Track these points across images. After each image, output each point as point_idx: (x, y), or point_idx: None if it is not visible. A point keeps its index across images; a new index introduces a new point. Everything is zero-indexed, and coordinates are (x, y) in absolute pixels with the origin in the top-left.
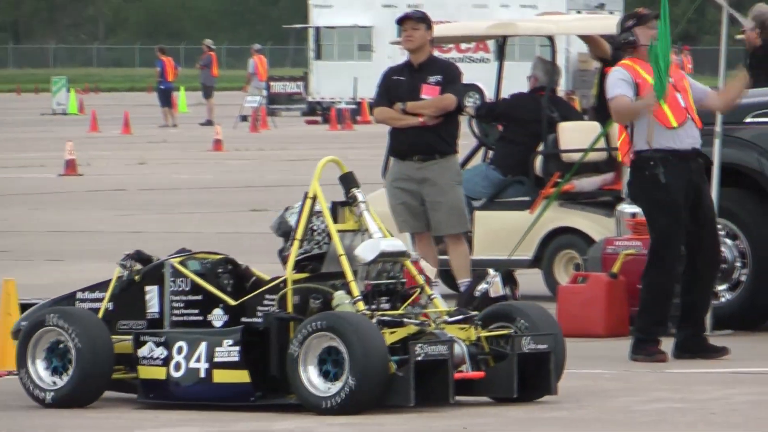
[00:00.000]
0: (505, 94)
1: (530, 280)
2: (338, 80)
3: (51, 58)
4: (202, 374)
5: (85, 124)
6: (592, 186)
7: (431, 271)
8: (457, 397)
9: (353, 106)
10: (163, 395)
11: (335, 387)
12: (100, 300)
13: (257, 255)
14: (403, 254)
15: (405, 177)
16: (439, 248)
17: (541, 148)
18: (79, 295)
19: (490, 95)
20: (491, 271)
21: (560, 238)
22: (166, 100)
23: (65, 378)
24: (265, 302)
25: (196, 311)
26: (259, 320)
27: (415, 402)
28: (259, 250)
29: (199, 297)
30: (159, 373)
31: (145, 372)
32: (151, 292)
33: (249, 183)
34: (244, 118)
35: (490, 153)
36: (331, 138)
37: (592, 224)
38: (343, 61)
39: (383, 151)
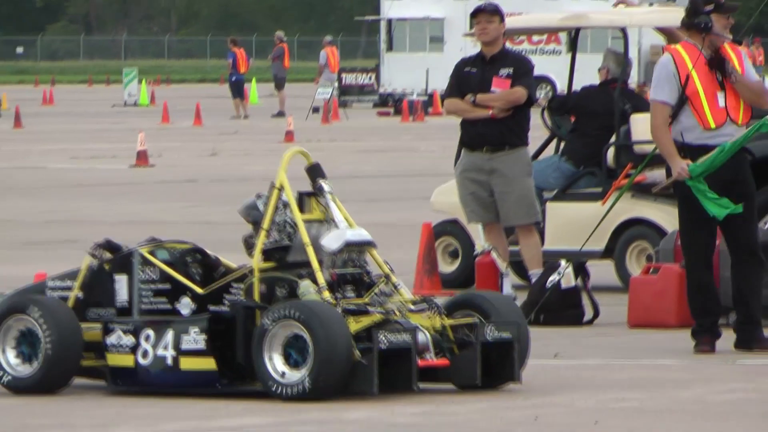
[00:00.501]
0: (576, 86)
1: (601, 272)
2: (410, 72)
3: (123, 49)
4: (169, 362)
5: (157, 115)
6: (663, 177)
7: (501, 262)
8: (423, 385)
9: (425, 98)
10: (131, 382)
11: (299, 374)
12: (71, 288)
13: None
14: (368, 244)
15: (475, 168)
16: (510, 239)
17: (613, 140)
18: (50, 283)
19: (561, 87)
20: (563, 263)
21: (632, 229)
22: (238, 91)
23: (35, 365)
24: (232, 291)
25: (165, 300)
26: (226, 309)
27: (378, 390)
28: None
29: (168, 286)
30: (127, 361)
31: (114, 359)
32: (120, 281)
33: None
34: (315, 110)
35: (562, 145)
36: (403, 130)
37: (664, 215)
38: (415, 53)
39: (454, 143)
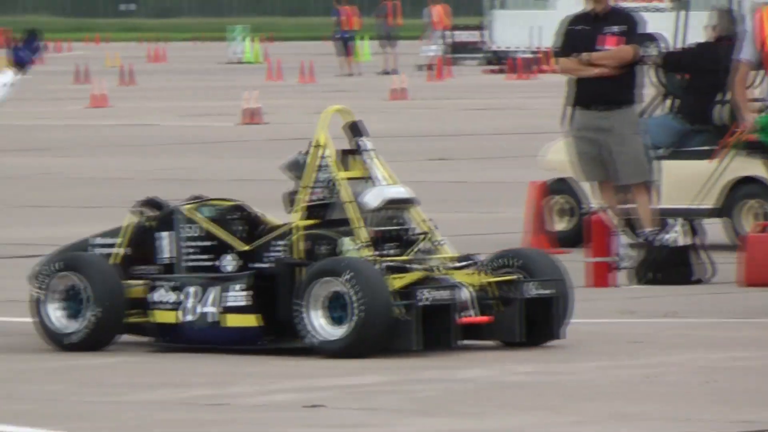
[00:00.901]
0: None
1: (714, 230)
2: (518, 29)
3: (230, 7)
4: (212, 318)
5: (265, 72)
6: None
7: (613, 220)
8: (467, 342)
9: (532, 55)
10: (175, 338)
11: (340, 330)
12: (114, 245)
13: (437, 204)
14: (409, 201)
15: (586, 126)
16: (623, 197)
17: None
18: (92, 241)
19: (669, 45)
20: (674, 221)
21: (745, 187)
22: (344, 49)
23: (80, 321)
24: (275, 248)
25: (208, 257)
26: (269, 266)
27: (420, 346)
28: (441, 197)
29: (211, 243)
30: (171, 317)
31: (158, 316)
32: (164, 238)
33: (429, 132)
34: (423, 67)
35: (673, 103)
36: (511, 87)
37: None
38: (523, 10)
39: (562, 101)
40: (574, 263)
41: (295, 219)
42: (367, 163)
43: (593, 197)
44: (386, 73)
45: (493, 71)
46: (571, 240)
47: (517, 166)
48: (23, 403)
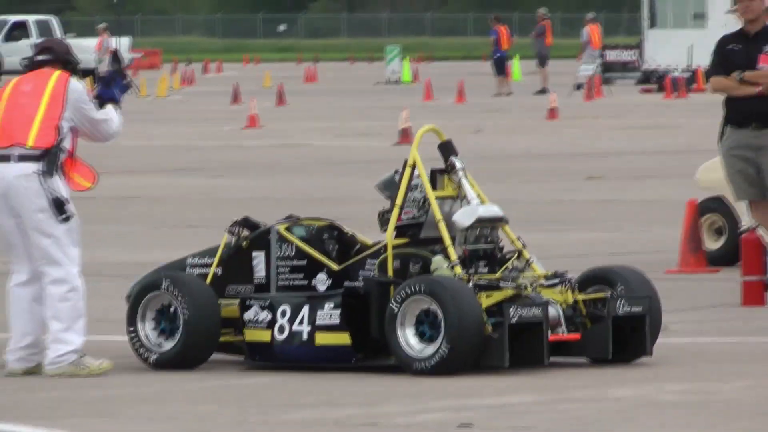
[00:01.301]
0: None
1: None
2: (672, 48)
3: (384, 27)
4: (305, 337)
5: (420, 92)
6: None
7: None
8: (554, 359)
9: (688, 75)
10: (267, 357)
11: (431, 348)
12: (209, 265)
13: (592, 223)
14: (500, 219)
15: (742, 145)
16: None
17: None
18: (190, 260)
19: None
20: None
21: None
22: (501, 68)
23: (173, 340)
24: (367, 267)
25: (301, 276)
26: (361, 284)
27: (509, 363)
28: (596, 218)
29: (304, 262)
30: (264, 336)
31: (251, 335)
32: (258, 258)
33: (584, 151)
34: (578, 87)
35: None
36: (665, 106)
37: None
38: (678, 29)
39: (718, 120)
40: (728, 282)
41: (387, 238)
42: (459, 182)
43: (747, 216)
44: (543, 92)
45: (649, 90)
46: (724, 259)
47: (672, 185)
48: (178, 422)
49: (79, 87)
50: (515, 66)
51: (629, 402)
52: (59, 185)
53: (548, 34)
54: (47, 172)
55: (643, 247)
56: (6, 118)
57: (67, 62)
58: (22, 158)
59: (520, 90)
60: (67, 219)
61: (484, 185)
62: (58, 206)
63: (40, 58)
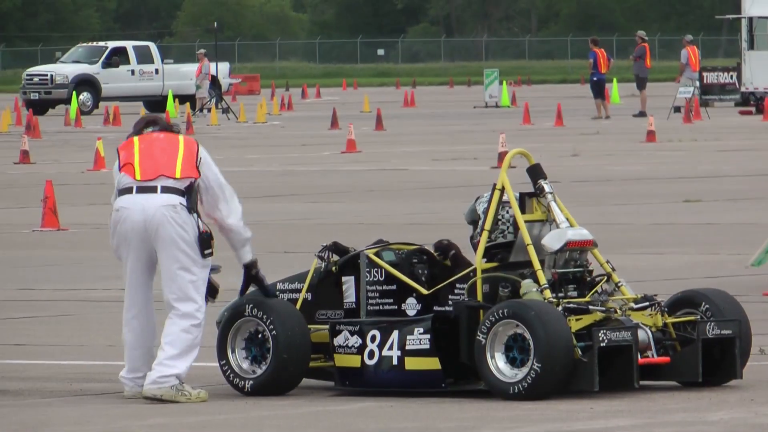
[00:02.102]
0: None
1: None
2: None
3: (483, 50)
4: (395, 362)
5: (518, 116)
6: None
7: None
8: (642, 382)
9: None
10: (357, 382)
11: (521, 373)
12: (299, 291)
13: (690, 246)
14: (589, 243)
15: None
16: None
17: None
18: (279, 285)
19: None
20: None
21: None
22: (599, 91)
23: (263, 366)
24: (456, 291)
25: (391, 300)
26: (450, 309)
27: (598, 387)
28: (693, 241)
29: (393, 287)
30: (354, 361)
31: (341, 360)
32: (348, 282)
33: (682, 174)
34: (677, 109)
35: None
36: (765, 129)
37: None
38: None
39: None
40: None
41: (476, 262)
42: (548, 205)
43: None
44: (641, 115)
45: (748, 112)
46: None
47: None
48: None
49: (204, 151)
50: (614, 89)
51: (726, 426)
52: (200, 221)
53: (647, 56)
54: (192, 208)
55: (740, 270)
56: (146, 154)
57: (171, 132)
58: (167, 190)
59: (618, 113)
60: (209, 255)
61: (581, 208)
62: (204, 242)
63: (148, 130)
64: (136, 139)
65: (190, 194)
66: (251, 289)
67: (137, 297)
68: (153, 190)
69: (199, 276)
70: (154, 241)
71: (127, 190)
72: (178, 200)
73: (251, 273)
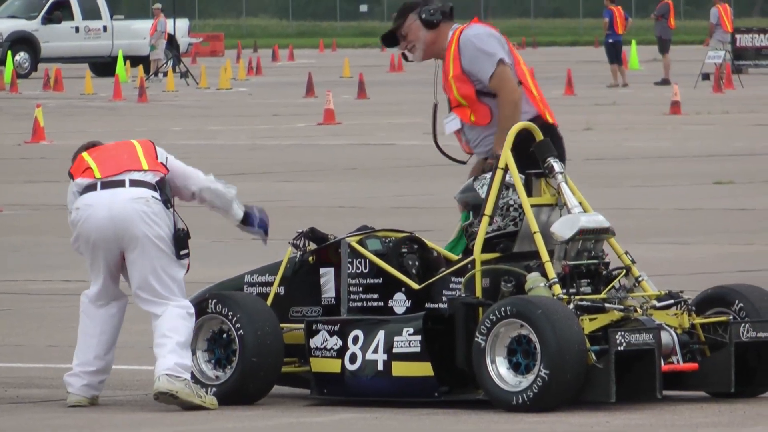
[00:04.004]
0: None
1: None
2: None
3: (481, 7)
4: (380, 367)
5: None
6: None
7: None
8: (666, 392)
9: None
10: (337, 390)
11: (526, 381)
12: (270, 284)
13: (720, 234)
14: (606, 231)
15: None
16: None
17: None
18: (247, 278)
19: None
20: None
21: None
22: (616, 55)
23: (228, 371)
24: (452, 286)
25: (376, 296)
26: (444, 306)
27: (615, 398)
28: (725, 229)
29: (379, 280)
30: (333, 366)
31: (318, 364)
32: (327, 275)
33: (712, 151)
34: (705, 77)
35: None
36: None
37: None
38: None
39: None
40: None
41: (475, 252)
42: (558, 187)
43: None
44: (665, 83)
45: None
46: None
47: None
48: None
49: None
50: (632, 53)
51: None
52: (177, 217)
53: (671, 15)
54: (168, 201)
55: None
56: (102, 157)
57: None
58: (136, 183)
59: (637, 80)
60: (186, 256)
61: (596, 190)
62: (180, 241)
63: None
64: (84, 153)
65: (163, 188)
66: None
67: (108, 290)
68: (120, 184)
69: (177, 278)
70: (124, 243)
71: (90, 187)
72: (150, 193)
73: (252, 223)
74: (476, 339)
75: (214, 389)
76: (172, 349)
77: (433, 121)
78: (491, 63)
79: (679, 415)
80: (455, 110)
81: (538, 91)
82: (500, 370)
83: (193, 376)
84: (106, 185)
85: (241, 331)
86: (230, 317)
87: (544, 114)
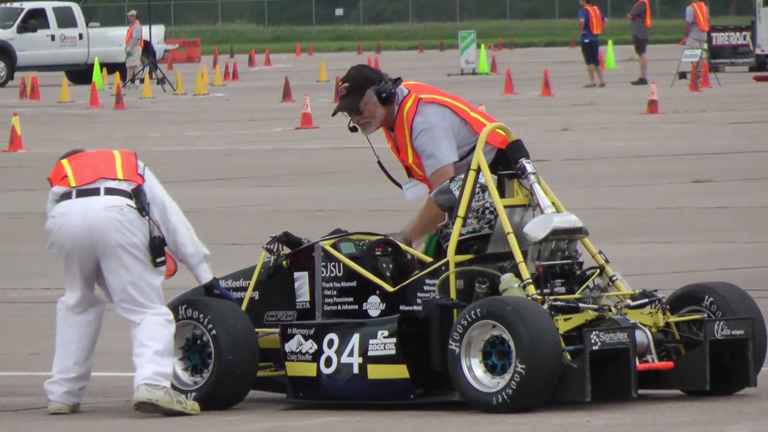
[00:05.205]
0: None
1: None
2: None
3: (457, 10)
4: (355, 370)
5: (499, 85)
6: None
7: None
8: (642, 391)
9: None
10: (313, 394)
11: (503, 380)
12: (245, 289)
13: (700, 233)
14: (579, 231)
15: None
16: None
17: None
18: (221, 283)
19: None
20: None
21: None
22: (592, 55)
23: (206, 374)
24: (426, 288)
25: (351, 299)
26: (419, 308)
27: (591, 397)
28: (703, 228)
29: (353, 283)
30: (309, 370)
31: (294, 368)
32: (301, 279)
33: (690, 150)
34: (682, 75)
35: None
36: None
37: None
38: None
39: None
40: None
41: (449, 254)
42: (531, 188)
43: None
44: (641, 82)
45: (763, 78)
46: None
47: None
48: None
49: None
50: (609, 52)
51: None
52: (152, 225)
53: (647, 14)
54: (143, 209)
55: (758, 262)
56: (80, 165)
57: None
58: (111, 191)
59: (614, 80)
60: (162, 264)
61: (575, 191)
62: (156, 249)
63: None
64: (64, 160)
65: (139, 197)
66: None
67: (85, 297)
68: (95, 192)
69: (154, 285)
70: (99, 252)
71: (65, 195)
72: (125, 201)
73: (213, 293)
74: (450, 346)
75: (193, 394)
76: (150, 358)
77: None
78: (434, 166)
79: (661, 414)
80: (417, 177)
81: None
82: (477, 374)
83: (171, 384)
84: (81, 194)
85: (213, 331)
86: (201, 319)
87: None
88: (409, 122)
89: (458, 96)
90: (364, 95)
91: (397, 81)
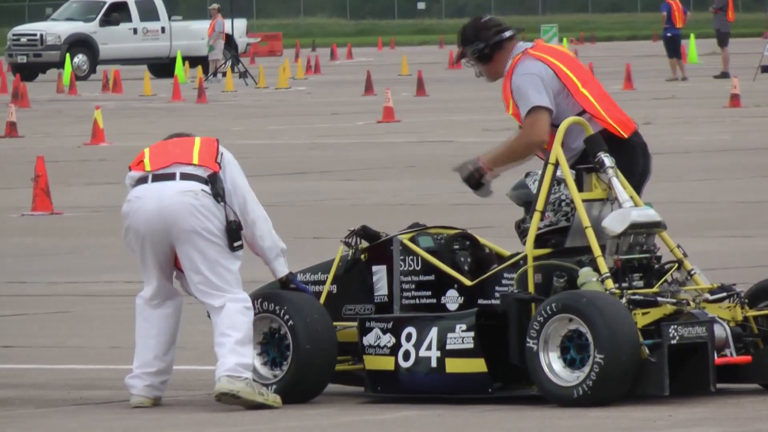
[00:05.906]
0: None
1: None
2: None
3: (539, 3)
4: (433, 363)
5: None
6: None
7: None
8: (720, 385)
9: None
10: (391, 388)
11: (583, 373)
12: (323, 282)
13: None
14: (657, 225)
15: None
16: None
17: None
18: (300, 277)
19: None
20: None
21: None
22: (674, 49)
23: (285, 366)
24: (504, 282)
25: (429, 293)
26: (497, 302)
27: (669, 391)
28: None
29: (432, 277)
30: (387, 363)
31: (372, 362)
32: (379, 273)
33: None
34: (764, 69)
35: None
36: None
37: None
38: None
39: None
40: None
41: (527, 248)
42: (609, 182)
43: None
44: (724, 76)
45: None
46: None
47: None
48: None
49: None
50: (691, 46)
51: None
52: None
53: (730, 7)
54: (218, 195)
55: None
56: (157, 151)
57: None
58: (187, 176)
59: (696, 74)
60: (239, 248)
61: (656, 185)
62: (233, 233)
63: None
64: (146, 149)
65: (215, 183)
66: None
67: (162, 289)
68: (171, 177)
69: (232, 269)
70: (173, 236)
71: (142, 180)
72: (200, 186)
73: (289, 288)
74: (528, 344)
75: (273, 387)
76: (232, 348)
77: None
78: (525, 107)
79: (742, 408)
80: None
81: (606, 104)
82: (556, 369)
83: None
84: (157, 178)
85: (291, 322)
86: (278, 311)
87: (612, 128)
88: (510, 72)
89: (589, 71)
90: (464, 52)
91: (512, 37)
